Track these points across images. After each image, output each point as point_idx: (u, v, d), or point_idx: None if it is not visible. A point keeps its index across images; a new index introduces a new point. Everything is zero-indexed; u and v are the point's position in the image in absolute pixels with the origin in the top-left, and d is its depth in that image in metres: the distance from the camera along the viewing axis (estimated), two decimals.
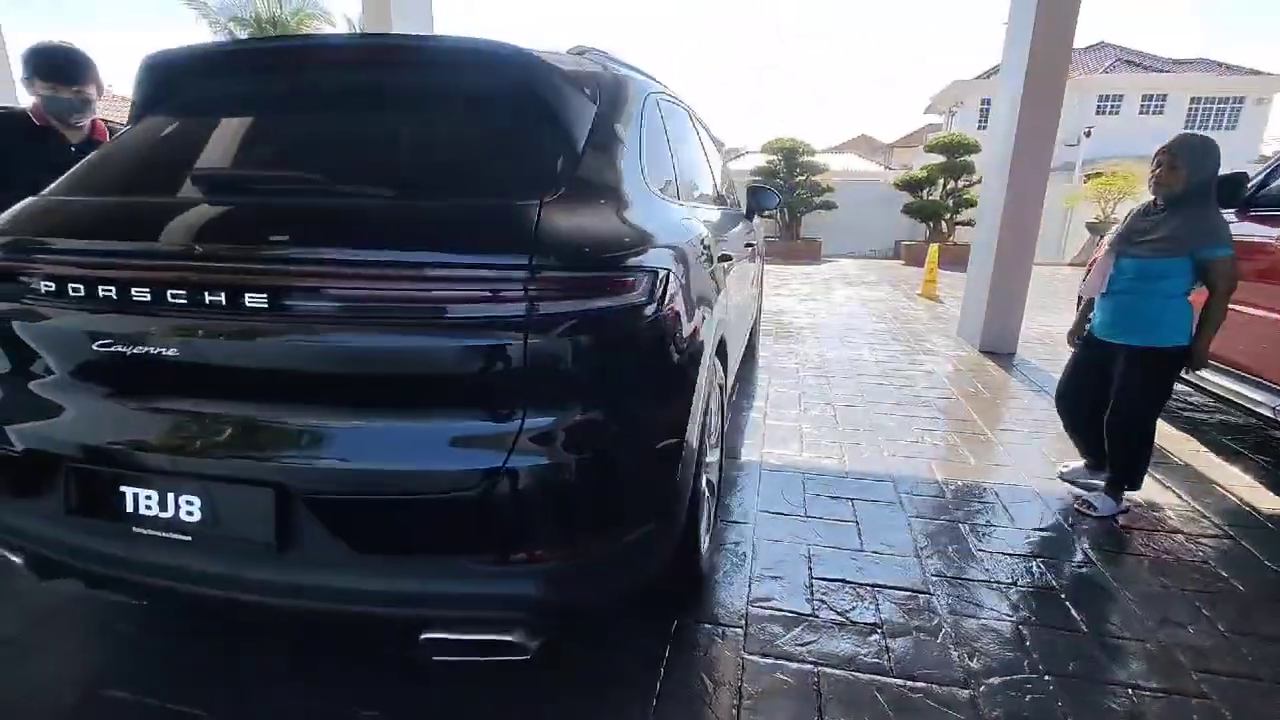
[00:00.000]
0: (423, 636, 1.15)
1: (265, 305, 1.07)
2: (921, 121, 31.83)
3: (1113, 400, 2.30)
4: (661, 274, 1.29)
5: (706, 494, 1.89)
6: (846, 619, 1.79)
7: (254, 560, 1.13)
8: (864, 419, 3.42)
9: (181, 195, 1.27)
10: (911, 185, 14.11)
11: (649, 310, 1.25)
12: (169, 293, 1.10)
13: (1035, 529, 2.30)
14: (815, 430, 3.24)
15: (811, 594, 1.90)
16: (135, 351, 1.14)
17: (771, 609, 1.83)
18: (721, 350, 2.05)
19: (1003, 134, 4.83)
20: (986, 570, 2.03)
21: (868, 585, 1.95)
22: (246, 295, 1.07)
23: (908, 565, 2.06)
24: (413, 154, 1.30)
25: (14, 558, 1.32)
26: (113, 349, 1.15)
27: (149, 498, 1.15)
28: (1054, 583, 1.97)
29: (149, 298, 1.12)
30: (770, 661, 1.62)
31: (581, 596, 1.21)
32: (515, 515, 1.10)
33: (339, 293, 1.07)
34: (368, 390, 1.12)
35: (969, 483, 2.66)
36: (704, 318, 1.61)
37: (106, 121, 2.38)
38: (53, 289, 1.17)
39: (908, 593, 1.91)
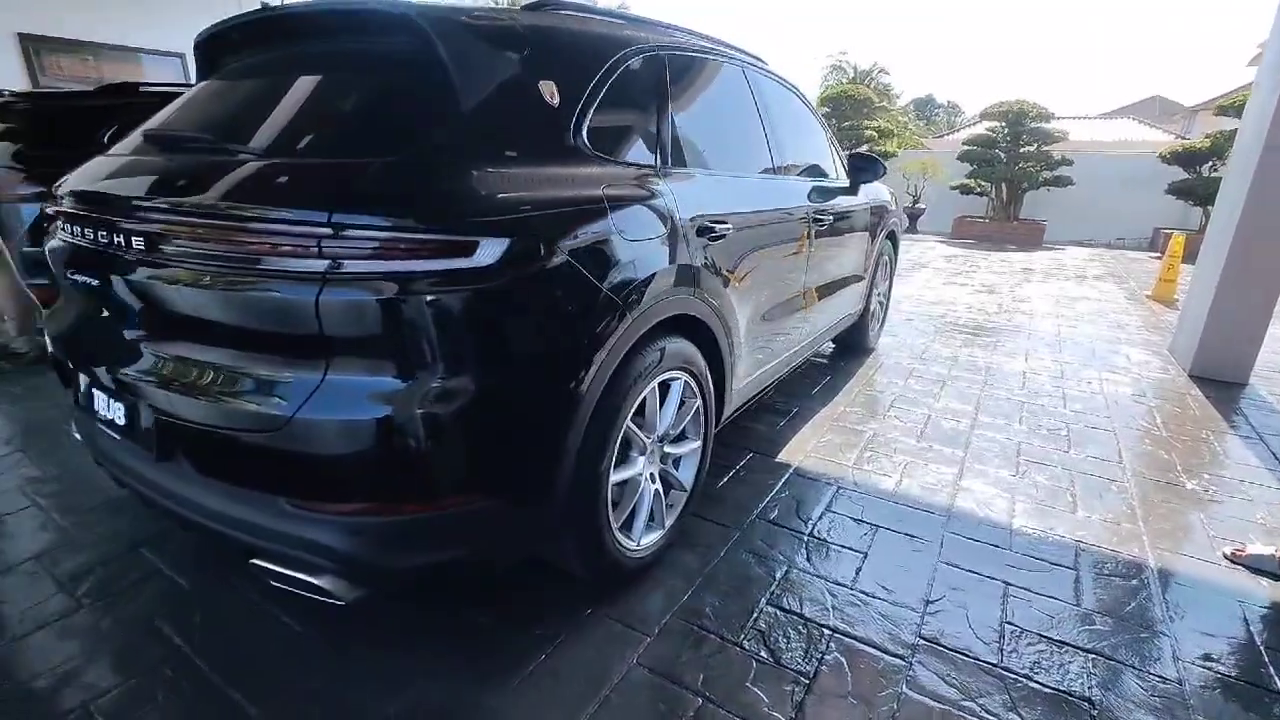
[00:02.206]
0: (251, 561, 1.25)
1: (142, 250, 1.22)
2: (1243, 77, 24.32)
3: None
4: (513, 242, 1.19)
5: (648, 485, 1.75)
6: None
7: (147, 464, 1.32)
8: (999, 446, 2.83)
9: (136, 152, 1.47)
10: (1186, 158, 11.06)
11: (492, 277, 1.17)
12: (98, 234, 1.31)
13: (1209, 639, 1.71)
14: (930, 453, 2.73)
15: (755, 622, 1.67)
16: (91, 284, 1.37)
17: (700, 627, 1.64)
18: (705, 333, 1.85)
19: (1259, 110, 3.54)
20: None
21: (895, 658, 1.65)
22: (130, 240, 1.22)
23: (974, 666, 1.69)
24: (291, 114, 1.35)
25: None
26: (80, 280, 1.39)
27: (103, 401, 1.39)
28: None
29: (90, 239, 1.33)
30: (646, 675, 1.46)
31: (391, 559, 1.20)
32: (315, 464, 1.13)
33: (176, 240, 1.18)
34: (200, 330, 1.22)
35: (1115, 556, 2.05)
36: (632, 298, 1.45)
37: None
38: (55, 230, 1.45)
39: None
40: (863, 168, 3.14)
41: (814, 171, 2.93)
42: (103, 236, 1.30)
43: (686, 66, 1.97)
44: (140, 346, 1.32)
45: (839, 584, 1.83)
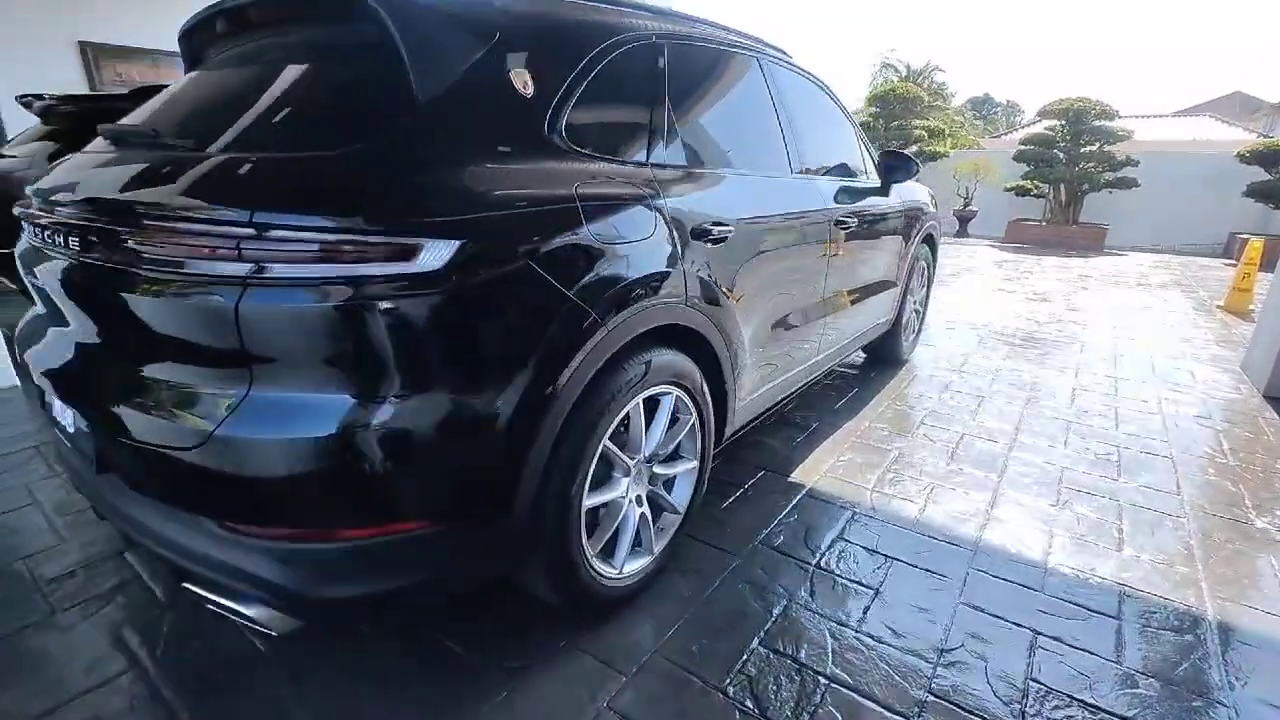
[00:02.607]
0: (183, 584, 1.17)
1: (77, 252, 1.16)
2: None
3: None
4: (464, 244, 1.08)
5: (632, 508, 1.62)
6: None
7: (89, 473, 1.26)
8: (1038, 472, 2.59)
9: (94, 150, 1.43)
10: (1268, 157, 10.21)
11: (438, 283, 1.06)
12: (43, 235, 1.26)
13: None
14: (960, 476, 2.50)
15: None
16: (41, 286, 1.33)
17: (682, 668, 1.50)
18: (701, 345, 1.71)
19: None
20: None
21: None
22: (67, 240, 1.17)
23: None
24: (241, 107, 1.26)
25: None
26: (34, 282, 1.36)
27: (56, 406, 1.35)
28: None
29: (38, 240, 1.29)
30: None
31: (323, 589, 1.11)
32: (239, 485, 1.04)
33: (105, 241, 1.11)
34: (131, 336, 1.15)
35: (1166, 604, 1.80)
36: (607, 307, 1.33)
37: None
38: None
39: None
40: (895, 167, 2.93)
41: (840, 171, 2.74)
42: (45, 237, 1.25)
43: (689, 57, 1.83)
44: (82, 352, 1.27)
45: (843, 624, 1.65)
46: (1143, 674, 1.51)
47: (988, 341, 4.51)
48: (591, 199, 1.33)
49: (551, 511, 1.34)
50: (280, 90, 1.26)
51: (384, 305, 1.03)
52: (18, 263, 1.47)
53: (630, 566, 1.65)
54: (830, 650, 1.56)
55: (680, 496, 1.82)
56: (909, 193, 3.33)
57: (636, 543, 1.70)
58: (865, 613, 1.70)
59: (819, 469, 2.50)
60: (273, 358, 1.02)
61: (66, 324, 1.31)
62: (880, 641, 1.60)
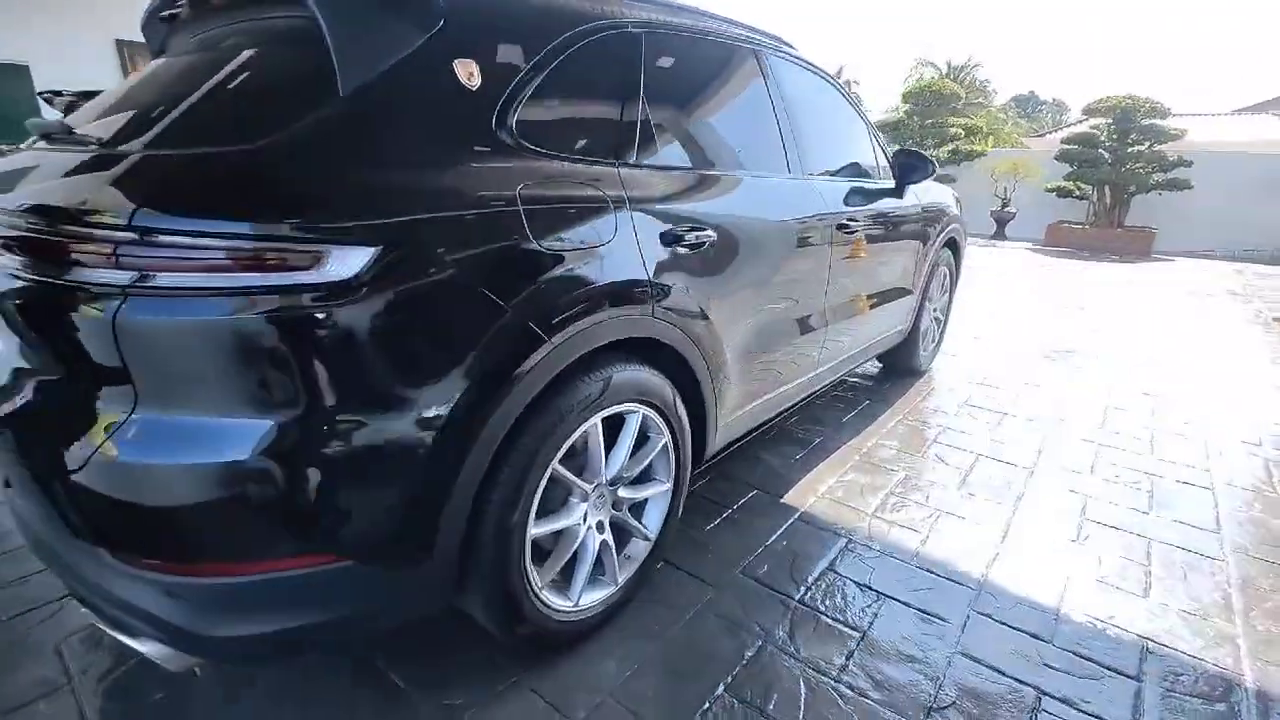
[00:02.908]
0: (82, 610, 1.09)
1: None
2: None
3: None
4: (381, 252, 0.97)
5: (591, 535, 1.49)
6: None
7: (5, 490, 1.19)
8: (1059, 501, 2.38)
9: (30, 147, 1.35)
10: None
11: (349, 294, 0.95)
12: None
13: None
14: (971, 504, 2.31)
15: None
16: None
17: (636, 715, 1.37)
18: (674, 359, 1.57)
19: None
20: None
21: None
22: None
23: None
24: (163, 100, 1.17)
25: None
26: None
27: None
28: None
29: None
30: None
31: (217, 627, 1.00)
32: (123, 513, 0.95)
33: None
34: (26, 347, 1.06)
35: (1197, 665, 1.60)
36: (553, 319, 1.20)
37: None
38: None
39: None
40: (911, 167, 2.73)
41: (850, 171, 2.57)
42: None
43: (672, 48, 1.69)
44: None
45: (821, 673, 1.50)
46: None
47: (1015, 353, 4.25)
48: (538, 201, 1.21)
49: (488, 542, 1.22)
50: (205, 82, 1.17)
51: (283, 319, 0.92)
52: None
53: (589, 598, 1.52)
54: (803, 702, 1.41)
55: (652, 522, 1.69)
56: (929, 194, 3.13)
57: (600, 572, 1.58)
58: (849, 659, 1.54)
59: (816, 490, 2.33)
60: (157, 376, 0.93)
61: None
62: (862, 695, 1.44)
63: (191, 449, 0.93)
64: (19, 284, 0.98)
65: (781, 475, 2.44)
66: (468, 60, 1.21)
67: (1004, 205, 12.54)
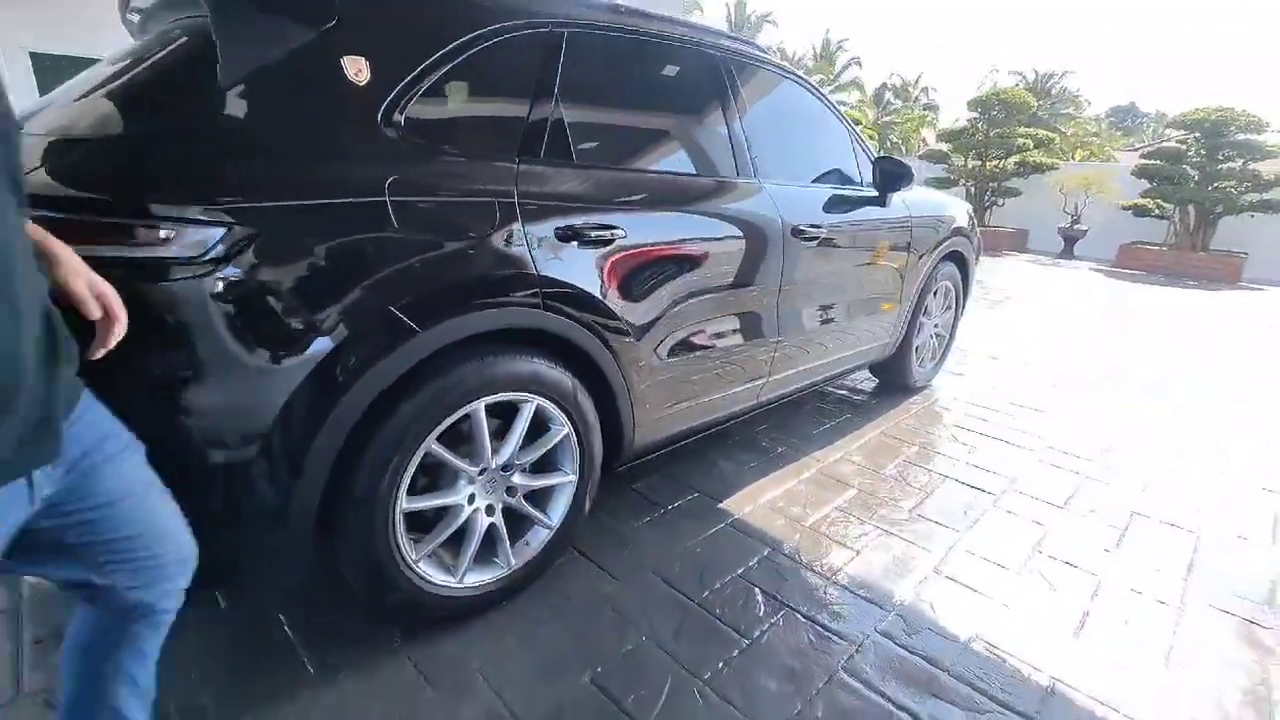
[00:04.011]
0: None
1: None
2: None
3: None
4: (231, 230, 1.06)
5: (479, 517, 1.56)
6: None
7: None
8: (1017, 531, 2.30)
9: None
10: None
11: (196, 268, 1.05)
12: None
13: None
14: (915, 525, 2.29)
15: None
16: None
17: (499, 695, 1.42)
18: (579, 355, 1.61)
19: None
20: None
21: None
22: None
23: None
24: (97, 89, 1.29)
25: None
26: None
27: None
28: None
29: None
30: None
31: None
32: None
33: None
34: None
35: None
36: (418, 306, 1.27)
37: None
38: None
39: None
40: (893, 175, 2.64)
41: (826, 178, 2.52)
42: None
43: (602, 46, 1.72)
44: None
45: (693, 674, 1.50)
46: None
47: (1030, 377, 4.02)
48: (408, 193, 1.27)
49: (352, 509, 1.30)
50: (127, 73, 1.29)
51: (132, 290, 1.02)
52: None
53: (476, 578, 1.58)
54: (662, 701, 1.42)
55: (555, 512, 1.73)
56: (926, 205, 3.02)
57: (493, 554, 1.63)
58: (725, 664, 1.54)
59: (758, 499, 2.30)
60: None
61: None
62: (725, 700, 1.44)
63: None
64: None
65: (729, 481, 2.42)
66: (358, 57, 1.29)
67: (1073, 222, 11.81)
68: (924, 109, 26.33)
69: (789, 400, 2.70)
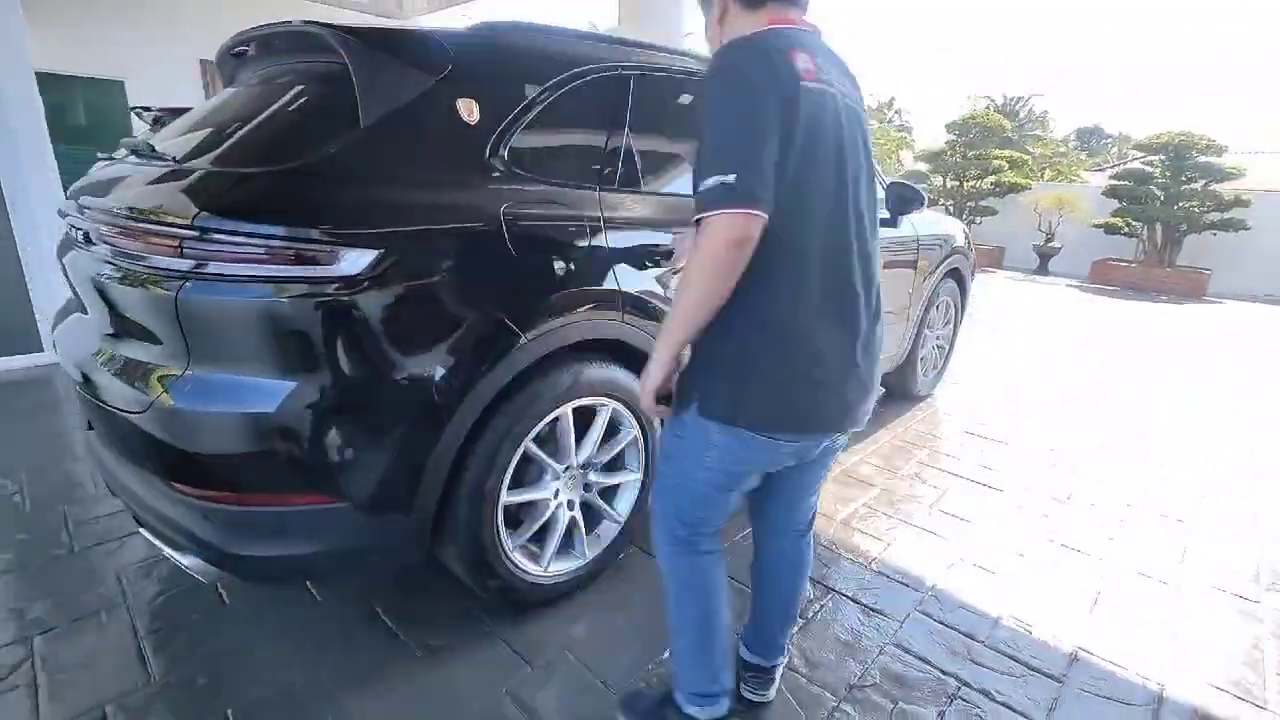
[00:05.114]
0: (138, 530, 1.37)
1: (82, 245, 1.40)
2: None
3: None
4: (384, 254, 1.23)
5: (562, 511, 1.71)
6: None
7: (91, 434, 1.49)
8: (1037, 530, 2.50)
9: (118, 160, 1.68)
10: None
11: (355, 286, 1.21)
12: (69, 230, 1.51)
13: None
14: (936, 529, 2.46)
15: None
16: (66, 269, 1.59)
17: (586, 666, 1.57)
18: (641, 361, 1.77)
19: None
20: None
21: None
22: (78, 234, 1.41)
23: None
24: (227, 126, 1.46)
25: None
26: (64, 267, 1.62)
27: (73, 372, 1.59)
28: None
29: (66, 234, 1.55)
30: (509, 706, 1.42)
31: (238, 546, 1.25)
32: (175, 449, 1.22)
33: (97, 237, 1.33)
34: (110, 315, 1.36)
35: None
36: (527, 319, 1.44)
37: None
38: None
39: None
40: (905, 198, 2.87)
41: None
42: (68, 232, 1.51)
43: (656, 86, 1.91)
44: (84, 326, 1.50)
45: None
46: None
47: (1025, 388, 4.27)
48: (519, 219, 1.45)
49: (464, 500, 1.45)
50: (261, 112, 1.46)
51: (303, 304, 1.18)
52: (56, 254, 1.76)
53: (557, 567, 1.73)
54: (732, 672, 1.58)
55: (622, 506, 1.89)
56: (930, 226, 3.27)
57: (570, 545, 1.78)
58: (789, 641, 1.70)
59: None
60: (207, 343, 1.20)
61: (82, 306, 1.56)
62: (794, 671, 1.60)
63: (228, 401, 1.20)
64: (111, 267, 1.28)
65: None
66: (469, 100, 1.47)
67: (1047, 240, 12.31)
68: (898, 130, 27.23)
69: None
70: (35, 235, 3.31)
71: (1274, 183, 11.76)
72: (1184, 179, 10.81)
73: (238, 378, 1.20)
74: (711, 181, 0.91)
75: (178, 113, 4.71)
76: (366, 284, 1.22)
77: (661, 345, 1.06)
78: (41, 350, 3.50)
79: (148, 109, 4.75)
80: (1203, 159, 10.65)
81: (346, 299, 1.21)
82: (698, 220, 0.95)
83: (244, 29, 1.67)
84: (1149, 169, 11.41)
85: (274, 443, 1.20)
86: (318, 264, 1.19)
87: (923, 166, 14.59)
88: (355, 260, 1.21)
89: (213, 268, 1.16)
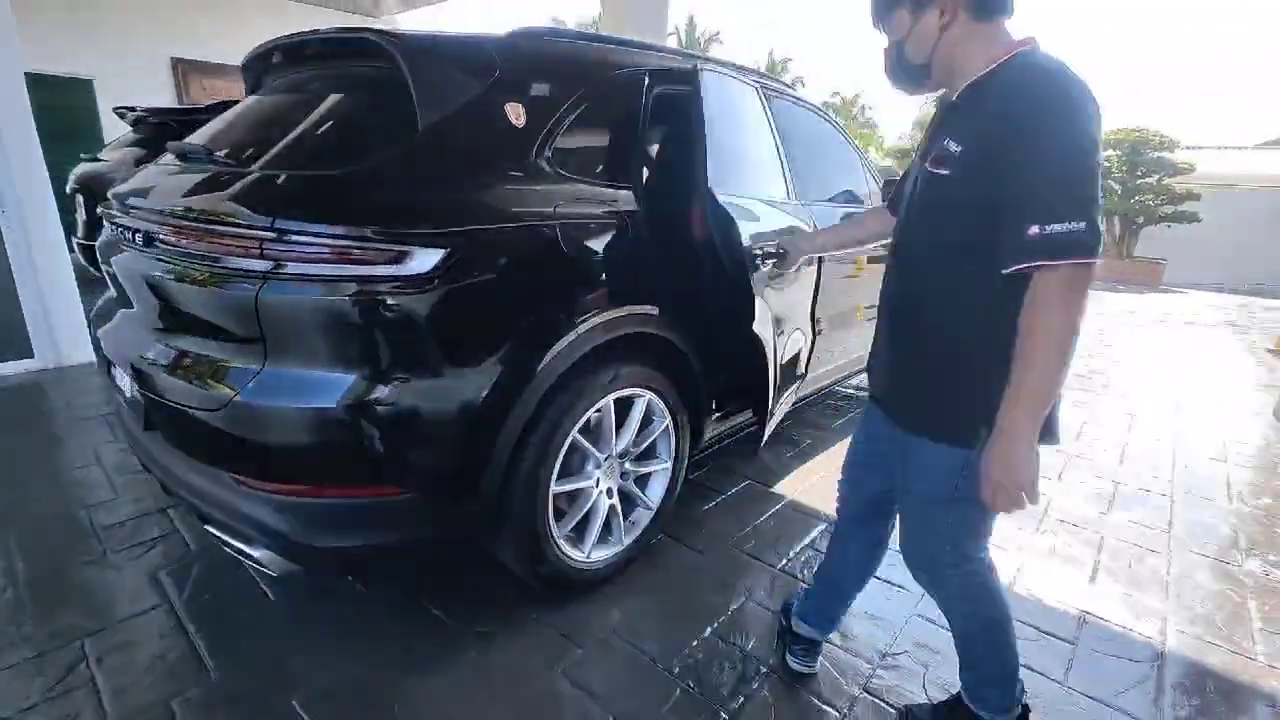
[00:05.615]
0: (205, 527, 1.39)
1: (138, 246, 1.41)
2: None
3: None
4: (450, 253, 1.28)
5: (602, 499, 1.77)
6: None
7: (139, 431, 1.50)
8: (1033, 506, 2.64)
9: (164, 163, 1.69)
10: None
11: (424, 285, 1.25)
12: (118, 231, 1.52)
13: None
14: None
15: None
16: (113, 272, 1.59)
17: (635, 647, 1.64)
18: (677, 355, 1.86)
19: None
20: None
21: None
22: (133, 236, 1.42)
23: None
24: (282, 130, 1.49)
25: None
26: (108, 269, 1.62)
27: (117, 371, 1.59)
28: None
29: (113, 235, 1.55)
30: (566, 686, 1.48)
31: (313, 538, 1.29)
32: (250, 444, 1.25)
33: (159, 238, 1.36)
34: (175, 315, 1.38)
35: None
36: (576, 314, 1.50)
37: None
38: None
39: None
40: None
41: (844, 198, 2.85)
42: (118, 233, 1.52)
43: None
44: (139, 329, 1.51)
45: None
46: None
47: None
48: (569, 217, 1.51)
49: (519, 489, 1.51)
50: (312, 116, 1.49)
51: (377, 301, 1.23)
52: (98, 254, 1.75)
53: (598, 554, 1.80)
54: (771, 645, 1.67)
55: (654, 494, 1.96)
56: None
57: (608, 532, 1.85)
58: None
59: (804, 482, 2.59)
60: (284, 340, 1.23)
61: (130, 306, 1.57)
62: (828, 643, 1.69)
63: (303, 396, 1.23)
64: (175, 268, 1.31)
65: (773, 469, 2.70)
66: (516, 104, 1.52)
67: None
68: (863, 127, 27.76)
69: (809, 398, 3.00)
70: (25, 240, 3.23)
71: (1223, 177, 12.39)
72: (1139, 173, 11.30)
73: (313, 373, 1.24)
74: (1072, 225, 0.87)
75: (163, 113, 4.65)
76: (435, 281, 1.27)
77: (1026, 416, 0.96)
78: (32, 356, 3.41)
79: (131, 109, 4.66)
80: (1155, 155, 11.15)
81: (417, 296, 1.25)
82: (1040, 265, 0.90)
83: (278, 35, 1.69)
84: (1106, 164, 11.90)
85: (348, 436, 1.24)
86: (390, 263, 1.23)
87: (890, 163, 14.94)
88: (424, 259, 1.25)
89: (291, 268, 1.20)
